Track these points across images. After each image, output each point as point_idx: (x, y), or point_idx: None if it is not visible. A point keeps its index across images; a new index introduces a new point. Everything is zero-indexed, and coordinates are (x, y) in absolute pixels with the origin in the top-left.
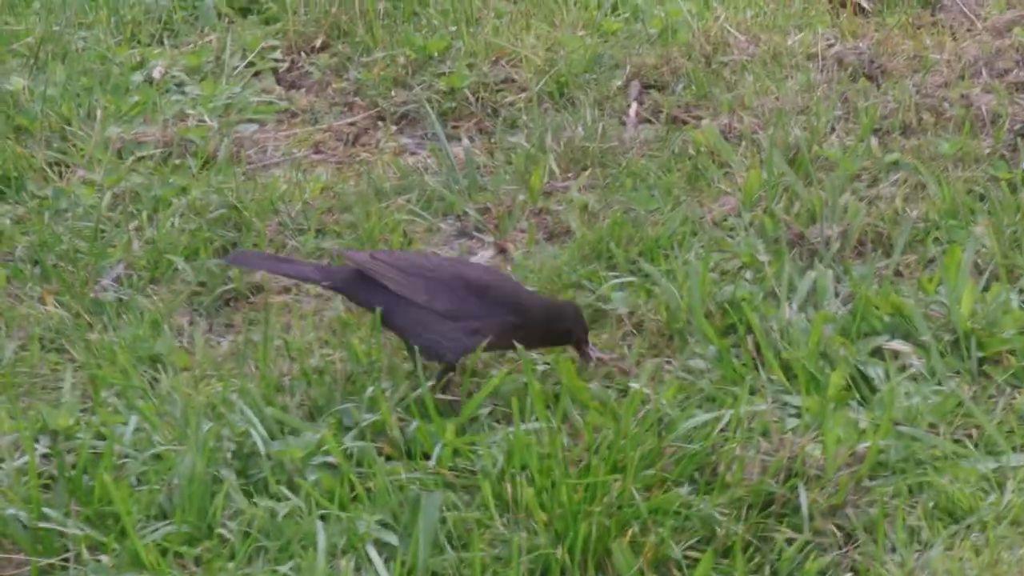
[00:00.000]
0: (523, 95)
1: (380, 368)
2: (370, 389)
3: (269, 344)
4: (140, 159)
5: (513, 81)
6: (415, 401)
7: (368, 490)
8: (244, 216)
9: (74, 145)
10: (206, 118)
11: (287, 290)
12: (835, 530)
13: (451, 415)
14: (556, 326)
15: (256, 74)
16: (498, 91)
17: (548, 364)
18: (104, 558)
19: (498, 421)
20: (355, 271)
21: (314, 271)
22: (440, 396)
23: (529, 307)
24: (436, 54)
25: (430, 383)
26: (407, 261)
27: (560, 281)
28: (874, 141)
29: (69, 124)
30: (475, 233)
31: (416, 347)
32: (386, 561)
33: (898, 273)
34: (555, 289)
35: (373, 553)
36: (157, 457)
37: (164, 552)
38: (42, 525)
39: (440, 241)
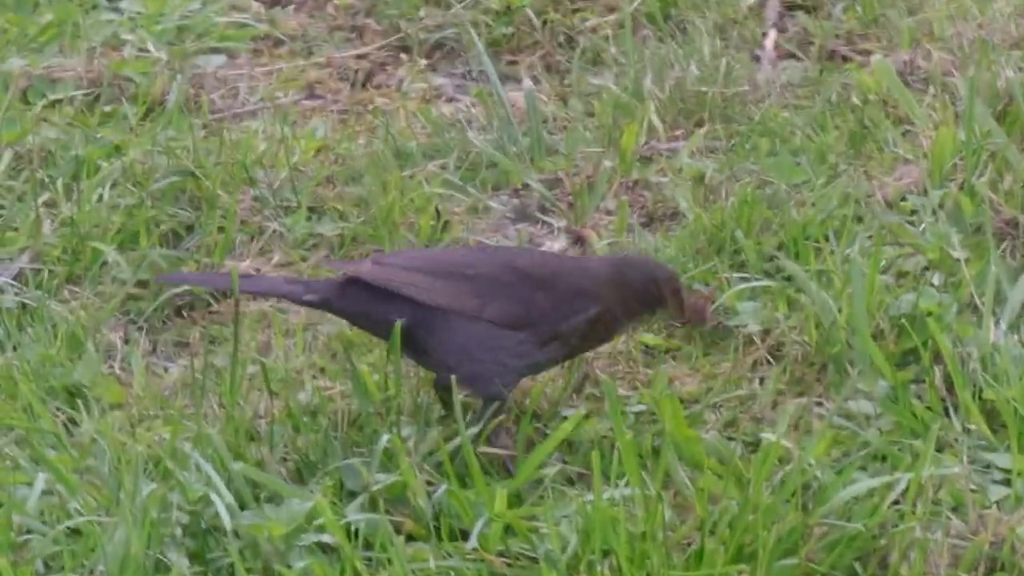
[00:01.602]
0: (611, 17)
1: (399, 407)
2: (385, 438)
3: (239, 372)
4: (54, 104)
5: None
6: (450, 456)
7: None
8: (204, 187)
9: None
10: (150, 47)
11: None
12: None
13: (502, 476)
14: (638, 292)
15: None
16: (575, 11)
17: (645, 404)
18: None
19: (571, 485)
20: (351, 282)
21: (291, 284)
22: (487, 449)
23: (606, 281)
24: None
25: (473, 429)
26: (430, 260)
27: None
28: None
29: None
30: (540, 215)
31: (454, 377)
32: None
33: None
34: None
35: None
36: (75, 532)
37: None
38: None
39: (489, 227)
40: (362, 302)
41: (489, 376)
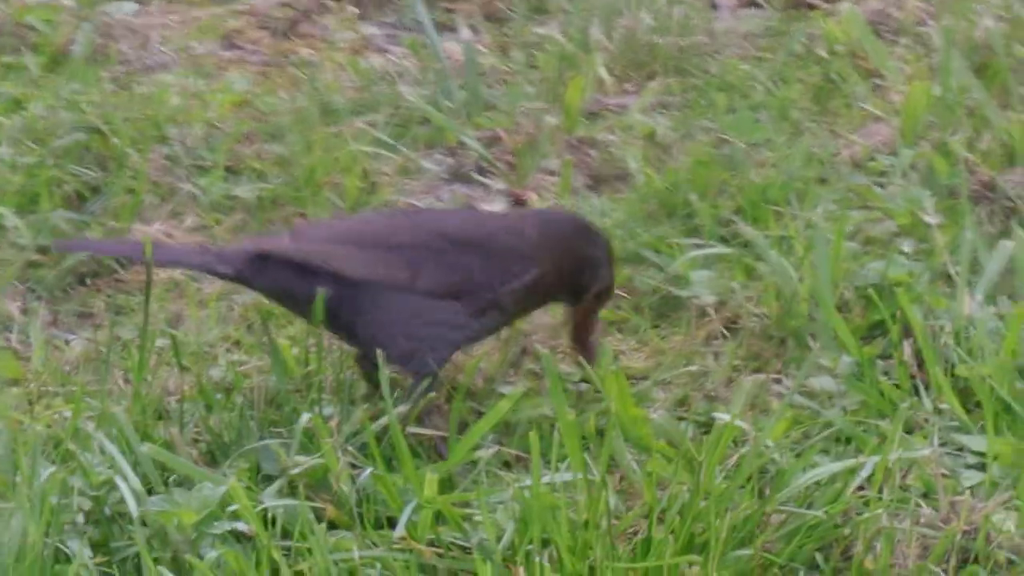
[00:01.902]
0: None
1: (321, 384)
2: (305, 417)
3: (148, 345)
4: None
5: None
6: (376, 437)
7: (300, 575)
8: (112, 145)
9: None
10: None
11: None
12: None
13: (433, 459)
14: (570, 248)
15: None
16: None
17: (588, 382)
18: None
19: (507, 469)
20: (268, 256)
21: (203, 255)
22: (416, 430)
23: (538, 241)
24: None
25: (401, 408)
26: (354, 230)
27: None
28: None
29: None
30: (477, 175)
31: (381, 352)
32: None
33: None
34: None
35: None
36: None
37: None
38: None
39: (421, 188)
40: (281, 278)
41: (424, 352)
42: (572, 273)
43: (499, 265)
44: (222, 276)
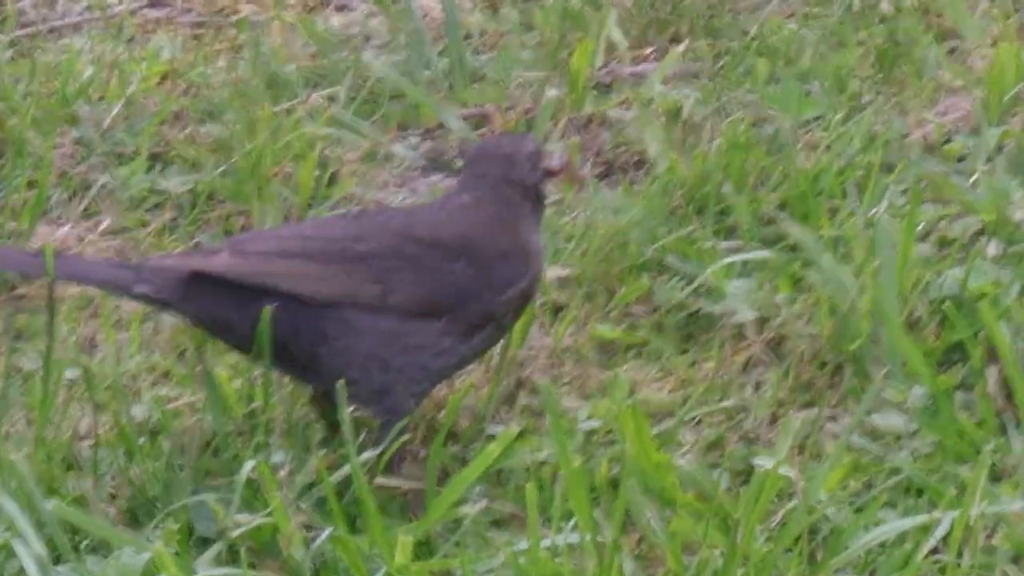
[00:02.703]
0: None
1: (268, 425)
2: (249, 466)
3: (54, 377)
4: None
5: None
6: (336, 490)
7: None
8: (10, 128)
9: None
10: None
11: None
12: None
13: (407, 517)
14: (516, 180)
15: None
16: None
17: (599, 419)
18: None
19: (498, 528)
20: (200, 277)
21: (117, 270)
22: (386, 481)
23: (492, 219)
24: None
25: (368, 454)
26: (306, 238)
27: (625, 257)
28: None
29: None
30: (461, 162)
31: (341, 385)
32: None
33: None
34: (619, 273)
35: None
36: None
37: None
38: None
39: (392, 179)
40: (217, 304)
41: (400, 386)
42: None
43: (486, 269)
44: (141, 299)
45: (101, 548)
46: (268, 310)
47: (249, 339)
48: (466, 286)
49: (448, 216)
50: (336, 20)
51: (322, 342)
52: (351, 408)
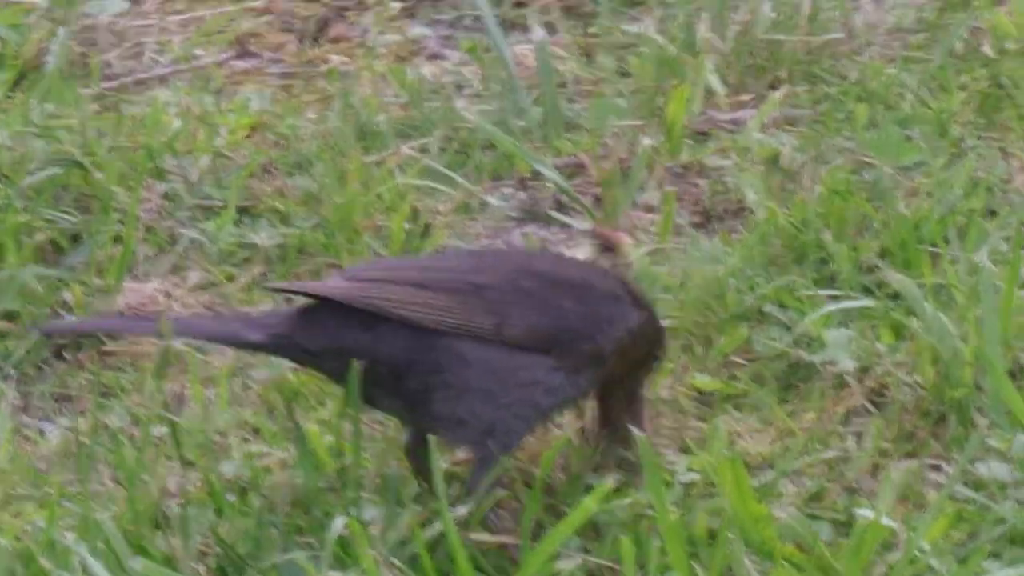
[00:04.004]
0: None
1: (359, 481)
2: (340, 522)
3: (144, 435)
4: None
5: None
6: (429, 546)
7: None
8: (95, 182)
9: None
10: None
11: None
12: None
13: (501, 572)
14: (654, 327)
15: None
16: None
17: (697, 471)
18: None
19: None
20: (312, 308)
21: (234, 323)
22: (480, 537)
23: (637, 290)
24: None
25: (461, 509)
26: (422, 268)
27: (723, 307)
28: None
29: None
30: (555, 213)
31: (460, 432)
32: None
33: None
34: (717, 323)
35: None
36: None
37: None
38: None
39: (486, 230)
40: (331, 334)
41: (509, 424)
42: (654, 334)
43: (597, 309)
44: (254, 347)
45: None
46: (357, 365)
47: (364, 371)
48: (575, 323)
49: (564, 259)
50: (427, 69)
51: (434, 372)
52: (460, 451)
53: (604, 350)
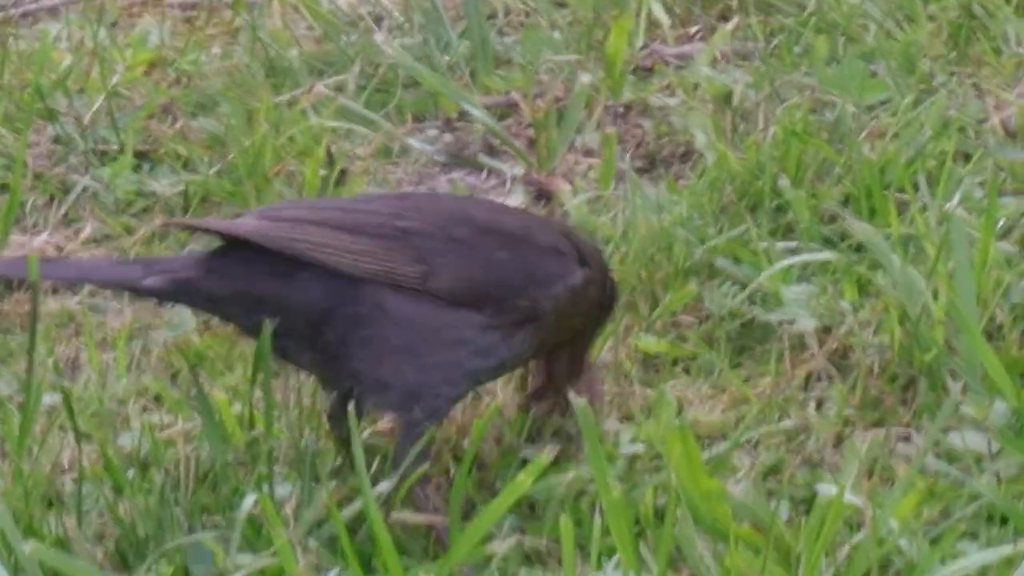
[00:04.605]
0: None
1: (273, 454)
2: (250, 500)
3: (32, 404)
4: None
5: None
6: (349, 527)
7: None
8: None
9: None
10: None
11: (72, 289)
12: None
13: (429, 554)
14: (604, 277)
15: None
16: None
17: (643, 442)
18: None
19: (532, 565)
20: (219, 251)
21: (123, 267)
22: (405, 516)
23: (582, 244)
24: None
25: (384, 485)
26: (346, 210)
27: (669, 261)
28: None
29: None
30: (485, 157)
31: (382, 396)
32: None
33: None
34: (664, 279)
35: None
36: None
37: None
38: None
39: (408, 176)
40: (240, 279)
41: (439, 390)
42: (607, 289)
43: (535, 263)
44: (151, 292)
45: None
46: (268, 324)
47: (280, 321)
48: (511, 277)
49: (504, 207)
50: (343, 0)
51: (353, 325)
52: (385, 416)
53: (542, 308)
